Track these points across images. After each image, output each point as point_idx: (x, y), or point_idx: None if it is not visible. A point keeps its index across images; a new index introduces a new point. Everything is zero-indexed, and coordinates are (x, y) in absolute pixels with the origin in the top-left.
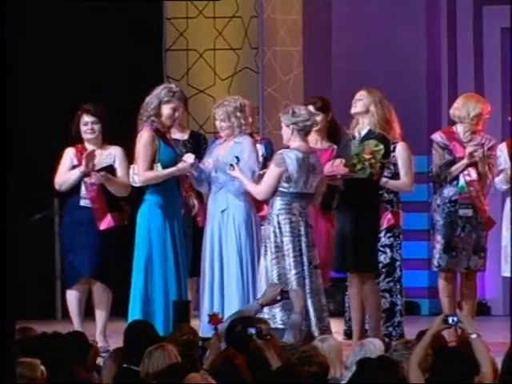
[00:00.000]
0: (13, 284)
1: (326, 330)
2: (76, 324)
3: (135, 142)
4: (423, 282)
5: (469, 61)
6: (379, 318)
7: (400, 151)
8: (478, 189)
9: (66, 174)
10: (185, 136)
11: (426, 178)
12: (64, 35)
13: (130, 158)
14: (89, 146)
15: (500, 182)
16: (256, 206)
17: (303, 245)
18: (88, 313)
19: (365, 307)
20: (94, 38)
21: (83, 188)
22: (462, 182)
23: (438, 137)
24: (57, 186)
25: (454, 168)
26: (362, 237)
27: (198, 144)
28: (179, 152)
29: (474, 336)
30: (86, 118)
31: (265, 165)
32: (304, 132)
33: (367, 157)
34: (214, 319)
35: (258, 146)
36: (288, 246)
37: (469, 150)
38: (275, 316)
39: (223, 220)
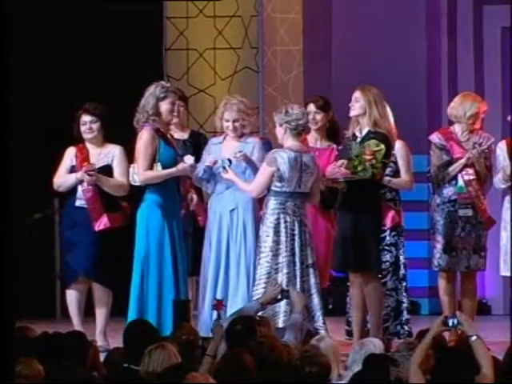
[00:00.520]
0: (13, 284)
1: (319, 329)
2: (76, 323)
3: (135, 141)
4: (423, 281)
5: (469, 60)
6: (380, 318)
7: (399, 149)
8: (476, 188)
9: (63, 175)
10: (185, 135)
11: (426, 178)
12: (64, 35)
13: (130, 157)
14: (89, 146)
15: (499, 181)
16: None
17: (296, 244)
18: (88, 312)
19: (366, 307)
20: (94, 37)
21: (79, 189)
22: (460, 182)
23: (435, 137)
24: (55, 187)
25: (451, 168)
26: (364, 236)
27: (198, 143)
28: (180, 152)
29: (473, 338)
30: (85, 118)
31: None
32: (297, 131)
33: (368, 158)
34: (219, 305)
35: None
36: (281, 246)
37: (467, 155)
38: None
39: (232, 220)
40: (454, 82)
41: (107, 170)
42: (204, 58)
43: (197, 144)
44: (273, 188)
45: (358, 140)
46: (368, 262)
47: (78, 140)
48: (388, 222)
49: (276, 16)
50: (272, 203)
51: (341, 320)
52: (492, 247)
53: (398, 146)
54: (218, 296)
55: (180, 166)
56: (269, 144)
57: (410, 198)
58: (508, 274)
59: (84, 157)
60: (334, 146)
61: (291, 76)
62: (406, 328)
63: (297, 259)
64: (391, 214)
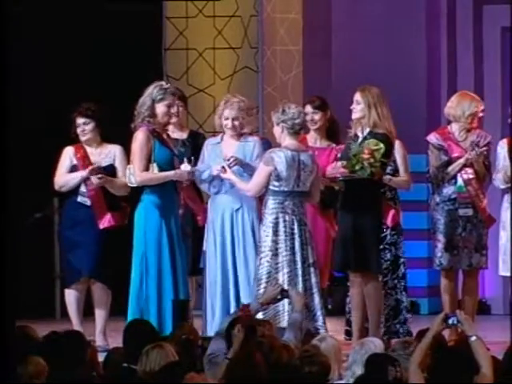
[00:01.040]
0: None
1: (319, 328)
2: (75, 323)
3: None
4: (423, 281)
5: (469, 60)
6: (380, 318)
7: (398, 148)
8: (476, 187)
9: (65, 175)
10: (184, 135)
11: (425, 178)
12: (64, 35)
13: (129, 157)
14: (86, 147)
15: (499, 181)
16: None
17: (296, 243)
18: (88, 312)
19: (366, 306)
20: (94, 37)
21: (83, 186)
22: (459, 181)
23: (433, 138)
24: (56, 187)
25: (450, 168)
26: (365, 236)
27: (197, 143)
28: (177, 151)
29: (473, 338)
30: (78, 120)
31: None
32: (293, 130)
33: (365, 156)
34: (246, 311)
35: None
36: (281, 245)
37: (465, 156)
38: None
39: (237, 218)
40: (453, 82)
41: (111, 170)
42: (204, 58)
43: (196, 144)
44: (271, 187)
45: (360, 140)
46: (368, 262)
47: (76, 141)
48: (389, 221)
49: (276, 16)
50: (271, 203)
51: (340, 320)
52: (492, 247)
53: (397, 145)
54: (232, 294)
55: (178, 170)
56: (268, 144)
57: (409, 197)
58: (507, 274)
59: (84, 155)
60: (334, 145)
61: (291, 76)
62: (404, 327)
63: (298, 258)
64: (392, 213)
